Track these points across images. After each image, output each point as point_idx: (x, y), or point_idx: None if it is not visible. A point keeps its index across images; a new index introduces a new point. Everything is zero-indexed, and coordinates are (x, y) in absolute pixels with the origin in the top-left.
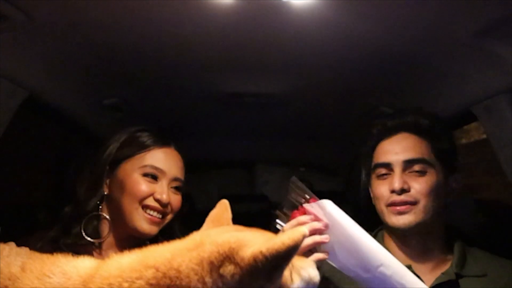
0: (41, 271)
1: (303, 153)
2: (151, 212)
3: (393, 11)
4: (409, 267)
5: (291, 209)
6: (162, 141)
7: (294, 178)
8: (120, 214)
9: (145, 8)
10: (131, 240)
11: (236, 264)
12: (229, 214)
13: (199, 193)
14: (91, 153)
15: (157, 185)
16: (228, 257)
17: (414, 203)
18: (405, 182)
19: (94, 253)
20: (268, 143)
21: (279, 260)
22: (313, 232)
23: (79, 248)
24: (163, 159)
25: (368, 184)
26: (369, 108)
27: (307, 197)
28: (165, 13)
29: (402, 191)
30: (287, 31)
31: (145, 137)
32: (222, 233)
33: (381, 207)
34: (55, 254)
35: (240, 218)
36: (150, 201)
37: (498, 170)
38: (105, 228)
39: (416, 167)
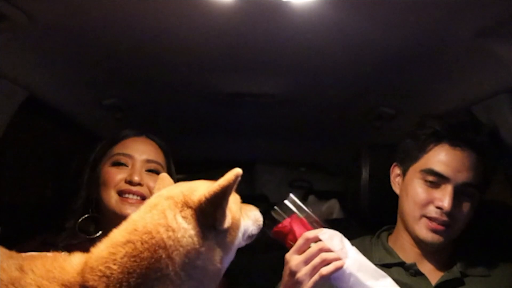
0: (45, 267)
1: (303, 153)
2: (128, 196)
3: (393, 11)
4: (413, 264)
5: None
6: (132, 133)
7: (291, 197)
8: (104, 208)
9: (145, 8)
10: None
11: (190, 207)
12: (171, 182)
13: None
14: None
15: (127, 169)
16: (184, 203)
17: (451, 225)
18: (456, 205)
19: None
20: (268, 143)
21: (218, 199)
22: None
23: (77, 249)
24: (131, 146)
25: (395, 172)
26: (369, 108)
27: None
28: (165, 13)
29: (449, 213)
30: (287, 31)
31: (118, 134)
32: (171, 189)
33: (415, 213)
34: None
35: None
36: (123, 185)
37: (498, 170)
38: (98, 226)
39: (468, 191)
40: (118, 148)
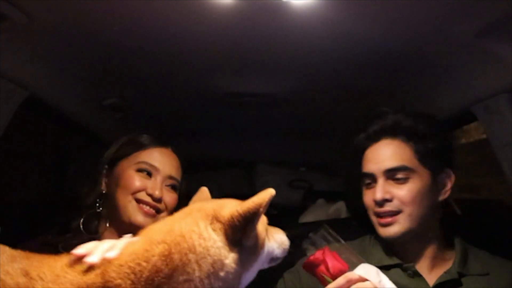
0: (53, 273)
1: (303, 153)
2: (144, 206)
3: (393, 12)
4: (411, 266)
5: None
6: (159, 142)
7: (326, 226)
8: (116, 209)
9: (145, 8)
10: None
11: (219, 221)
12: (208, 197)
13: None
14: (92, 154)
15: (150, 181)
16: (214, 217)
17: (398, 212)
18: (387, 191)
19: None
20: (268, 143)
21: (250, 215)
22: None
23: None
24: (158, 158)
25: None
26: (369, 108)
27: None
28: (165, 13)
29: (384, 201)
30: (287, 31)
31: (142, 138)
32: (204, 203)
33: (371, 216)
34: (57, 255)
35: None
36: (143, 196)
37: (498, 170)
38: (103, 225)
39: (398, 175)
40: (145, 156)
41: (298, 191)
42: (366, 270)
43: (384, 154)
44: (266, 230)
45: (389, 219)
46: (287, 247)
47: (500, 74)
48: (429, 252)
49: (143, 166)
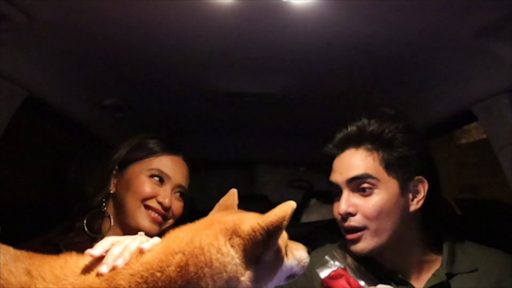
0: (53, 274)
1: (303, 153)
2: (153, 213)
3: (393, 12)
4: (396, 274)
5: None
6: (171, 149)
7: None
8: (123, 212)
9: (145, 8)
10: None
11: (239, 236)
12: (235, 201)
13: (199, 193)
14: (93, 154)
15: (162, 189)
16: (234, 231)
17: (363, 228)
18: (351, 204)
19: None
20: (268, 143)
21: (273, 229)
22: None
23: (78, 247)
24: (170, 165)
25: None
26: (369, 108)
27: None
28: (165, 13)
29: (348, 215)
30: (287, 31)
31: (154, 143)
32: (226, 215)
33: (341, 230)
34: (59, 255)
35: None
36: (152, 203)
37: (498, 170)
38: (106, 225)
39: (362, 185)
40: (158, 163)
41: (298, 191)
42: None
43: (349, 164)
44: (286, 246)
45: (354, 236)
46: (306, 264)
47: (500, 74)
48: (413, 258)
49: (156, 173)
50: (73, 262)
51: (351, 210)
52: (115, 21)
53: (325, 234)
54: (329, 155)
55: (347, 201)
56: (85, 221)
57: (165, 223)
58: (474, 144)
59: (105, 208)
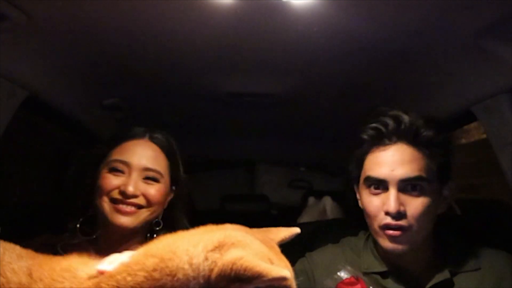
0: (51, 277)
1: (303, 153)
2: (120, 205)
3: (393, 12)
4: (400, 268)
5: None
6: (133, 134)
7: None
8: (99, 213)
9: (145, 8)
10: (128, 237)
11: (220, 254)
12: (277, 238)
13: (199, 193)
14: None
15: (124, 177)
16: (217, 248)
17: (408, 228)
18: (401, 204)
19: (92, 253)
20: (268, 143)
21: (246, 278)
22: None
23: (76, 249)
24: (130, 151)
25: (356, 192)
26: (369, 108)
27: None
28: (165, 13)
29: (398, 214)
30: (287, 31)
31: (119, 134)
32: (232, 229)
33: (374, 226)
34: (60, 256)
35: (240, 218)
36: (115, 194)
37: (498, 170)
38: (98, 227)
39: (413, 186)
40: (117, 153)
41: (298, 191)
42: None
43: (402, 161)
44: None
45: (397, 233)
46: None
47: (500, 74)
48: (422, 258)
49: (114, 164)
50: (72, 265)
51: (401, 209)
52: (115, 21)
53: (325, 234)
54: (368, 144)
55: (398, 200)
56: (78, 224)
57: (140, 213)
58: (474, 144)
59: (93, 212)
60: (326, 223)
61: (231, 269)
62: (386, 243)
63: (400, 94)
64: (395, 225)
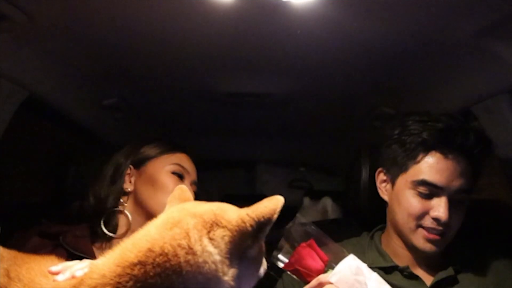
0: (29, 276)
1: (303, 153)
2: None
3: (393, 12)
4: (406, 267)
5: (295, 242)
6: (182, 147)
7: (298, 218)
8: (147, 209)
9: (145, 8)
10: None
11: (224, 227)
12: (190, 196)
13: (199, 193)
14: (100, 154)
15: (183, 183)
16: (215, 222)
17: (446, 234)
18: (450, 213)
19: (95, 249)
20: (268, 143)
21: (264, 221)
22: None
23: (78, 245)
24: (187, 162)
25: (380, 177)
26: (370, 108)
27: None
28: (165, 13)
29: (446, 222)
30: (287, 31)
31: (166, 142)
32: (197, 206)
33: (411, 224)
34: (41, 256)
35: None
36: None
37: (498, 170)
38: (123, 224)
39: (461, 197)
40: (178, 159)
41: (298, 191)
42: (340, 276)
43: (457, 172)
44: None
45: (438, 237)
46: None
47: (500, 74)
48: (430, 256)
49: (179, 169)
50: (51, 265)
51: (449, 220)
52: (115, 21)
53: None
54: (426, 144)
55: (448, 210)
56: (102, 222)
57: None
58: None
59: (121, 207)
60: (326, 223)
61: (250, 221)
62: (421, 242)
63: (400, 94)
64: (439, 230)
